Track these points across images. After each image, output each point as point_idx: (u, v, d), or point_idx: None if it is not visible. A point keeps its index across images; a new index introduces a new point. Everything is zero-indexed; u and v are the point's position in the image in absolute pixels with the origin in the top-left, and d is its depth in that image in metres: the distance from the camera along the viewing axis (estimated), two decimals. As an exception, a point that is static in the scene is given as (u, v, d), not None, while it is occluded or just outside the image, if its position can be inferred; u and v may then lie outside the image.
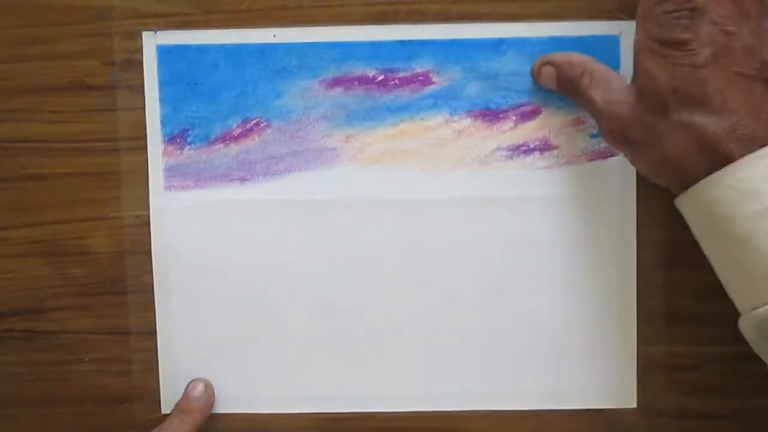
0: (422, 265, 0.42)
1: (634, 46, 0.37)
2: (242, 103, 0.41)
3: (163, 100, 0.41)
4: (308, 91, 0.41)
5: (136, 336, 0.43)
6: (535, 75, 0.41)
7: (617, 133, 0.38)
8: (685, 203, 0.36)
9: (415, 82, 0.41)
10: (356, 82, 0.41)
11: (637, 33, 0.37)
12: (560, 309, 0.42)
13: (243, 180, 0.42)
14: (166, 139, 0.42)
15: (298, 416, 0.43)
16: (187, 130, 0.42)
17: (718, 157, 0.34)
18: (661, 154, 0.36)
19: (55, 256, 0.42)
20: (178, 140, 0.42)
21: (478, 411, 0.43)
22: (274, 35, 0.41)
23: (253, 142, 0.42)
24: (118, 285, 0.42)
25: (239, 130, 0.42)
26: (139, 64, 0.41)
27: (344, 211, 0.42)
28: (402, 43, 0.41)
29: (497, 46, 0.41)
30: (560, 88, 0.40)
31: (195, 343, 0.42)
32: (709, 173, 0.34)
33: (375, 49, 0.41)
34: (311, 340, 0.42)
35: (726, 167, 0.34)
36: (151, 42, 0.41)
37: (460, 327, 0.42)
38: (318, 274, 0.42)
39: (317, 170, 0.42)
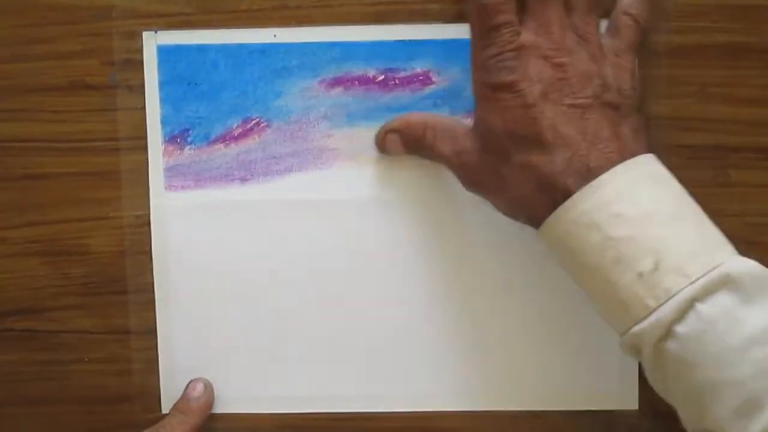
0: (423, 264, 0.42)
1: (473, 93, 0.37)
2: (242, 103, 0.41)
3: (163, 100, 0.41)
4: (308, 91, 0.41)
5: (136, 336, 0.43)
6: (380, 146, 0.41)
7: (471, 181, 0.38)
8: (541, 240, 0.36)
9: (415, 82, 0.41)
10: (356, 82, 0.41)
11: (472, 80, 0.37)
12: (561, 309, 0.42)
13: (243, 180, 0.42)
14: (167, 139, 0.42)
15: (297, 416, 0.43)
16: (188, 130, 0.42)
17: (558, 194, 0.34)
18: (509, 196, 0.36)
19: (55, 255, 0.42)
20: (179, 140, 0.42)
21: (479, 411, 0.42)
22: (274, 35, 0.41)
23: (253, 142, 0.42)
24: (118, 285, 0.42)
25: (239, 130, 0.42)
26: (139, 64, 0.41)
27: (344, 211, 0.42)
28: (402, 43, 0.41)
29: (497, 45, 0.41)
30: (408, 150, 0.40)
31: (195, 342, 0.42)
32: (554, 210, 0.34)
33: (375, 49, 0.41)
34: (311, 339, 0.42)
35: (564, 203, 0.33)
36: (152, 42, 0.41)
37: (461, 327, 0.42)
38: (318, 274, 0.42)
39: (317, 170, 0.42)
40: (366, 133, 0.41)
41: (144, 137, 0.42)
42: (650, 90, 0.41)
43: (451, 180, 0.41)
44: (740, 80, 0.41)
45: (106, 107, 0.42)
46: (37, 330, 0.43)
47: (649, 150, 0.35)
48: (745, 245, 0.41)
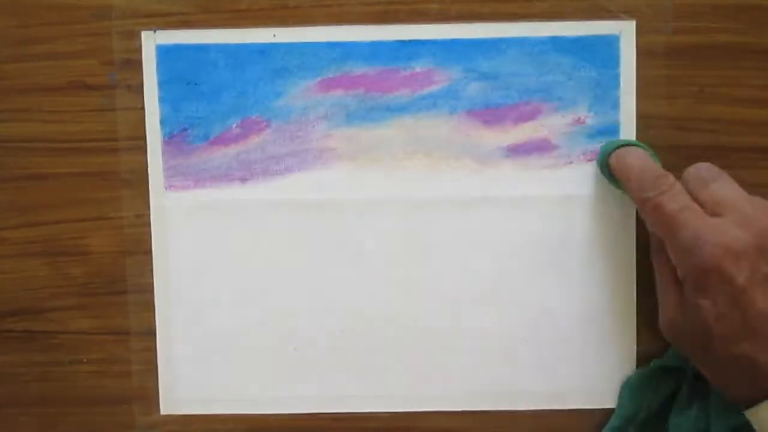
0: (422, 265, 0.42)
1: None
2: (242, 103, 0.41)
3: (163, 100, 0.41)
4: (308, 91, 0.41)
5: (136, 336, 0.43)
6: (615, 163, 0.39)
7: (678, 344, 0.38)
8: (751, 418, 0.35)
9: (415, 82, 0.41)
10: (356, 82, 0.41)
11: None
12: (560, 309, 0.42)
13: (243, 180, 0.42)
14: (166, 138, 0.42)
15: (298, 416, 0.43)
16: (187, 129, 0.42)
17: None
18: (716, 378, 0.36)
19: (54, 256, 0.42)
20: (178, 140, 0.42)
21: (479, 411, 0.42)
22: (274, 35, 0.41)
23: (253, 142, 0.42)
24: (118, 285, 0.42)
25: (239, 130, 0.42)
26: (138, 64, 0.41)
27: (344, 211, 0.42)
28: (402, 43, 0.41)
29: (497, 45, 0.41)
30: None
31: (195, 343, 0.42)
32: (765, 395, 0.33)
33: (375, 49, 0.41)
34: (311, 340, 0.42)
35: None
36: (151, 41, 0.41)
37: (460, 327, 0.42)
38: (318, 274, 0.42)
39: (317, 170, 0.42)
40: (366, 133, 0.41)
41: (143, 137, 0.42)
42: (650, 90, 0.41)
43: (451, 181, 0.41)
44: (740, 80, 0.41)
45: (105, 107, 0.41)
46: (37, 330, 0.43)
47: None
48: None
